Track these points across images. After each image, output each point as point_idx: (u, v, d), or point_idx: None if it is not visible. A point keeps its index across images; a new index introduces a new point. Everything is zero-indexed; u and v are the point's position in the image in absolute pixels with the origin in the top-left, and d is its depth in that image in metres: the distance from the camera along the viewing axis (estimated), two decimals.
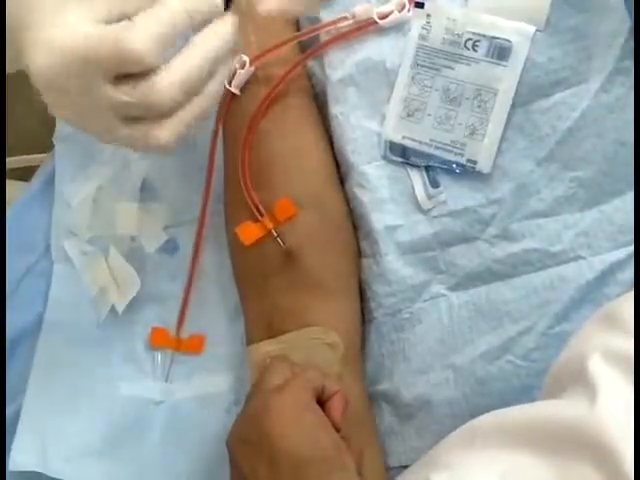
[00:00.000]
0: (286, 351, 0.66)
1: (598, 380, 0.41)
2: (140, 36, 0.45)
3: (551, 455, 0.40)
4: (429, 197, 0.69)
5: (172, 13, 0.47)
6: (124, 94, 0.47)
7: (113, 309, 0.77)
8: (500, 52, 0.66)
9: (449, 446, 0.47)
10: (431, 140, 0.68)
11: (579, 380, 0.43)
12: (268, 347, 0.67)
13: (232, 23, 0.50)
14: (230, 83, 0.71)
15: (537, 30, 0.65)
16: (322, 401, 0.59)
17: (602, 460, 0.38)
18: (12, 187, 1.01)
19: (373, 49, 0.71)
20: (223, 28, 0.50)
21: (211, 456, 0.73)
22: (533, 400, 0.48)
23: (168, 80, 0.47)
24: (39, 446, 0.74)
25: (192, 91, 0.49)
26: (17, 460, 0.74)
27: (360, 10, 0.70)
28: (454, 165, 0.68)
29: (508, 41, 0.66)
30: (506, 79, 0.66)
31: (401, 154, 0.69)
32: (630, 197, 0.65)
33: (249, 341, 0.70)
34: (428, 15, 0.68)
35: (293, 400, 0.56)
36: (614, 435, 0.38)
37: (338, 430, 0.58)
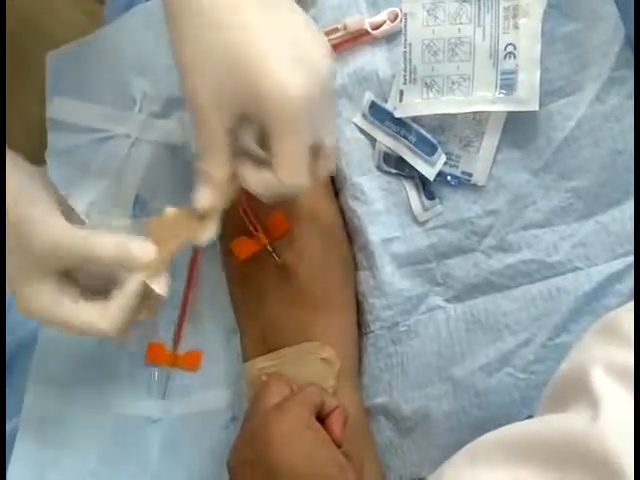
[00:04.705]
0: (282, 367, 0.65)
1: (601, 394, 0.41)
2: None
3: (554, 470, 0.40)
4: (425, 209, 0.68)
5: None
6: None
7: None
8: None
9: (451, 465, 0.46)
10: None
11: (581, 393, 0.42)
12: (264, 363, 0.66)
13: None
14: None
15: None
16: (322, 417, 0.59)
17: (605, 475, 0.37)
18: None
19: (366, 60, 0.70)
20: None
21: (209, 473, 0.72)
22: (533, 412, 0.48)
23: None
24: (36, 467, 0.73)
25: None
26: None
27: (352, 21, 0.70)
28: (449, 177, 0.68)
29: None
30: None
31: (395, 165, 0.69)
32: (627, 207, 0.65)
33: (245, 357, 0.69)
34: None
35: (293, 418, 0.56)
36: (617, 449, 0.38)
37: (339, 446, 0.57)
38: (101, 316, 0.56)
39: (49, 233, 0.55)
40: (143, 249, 0.56)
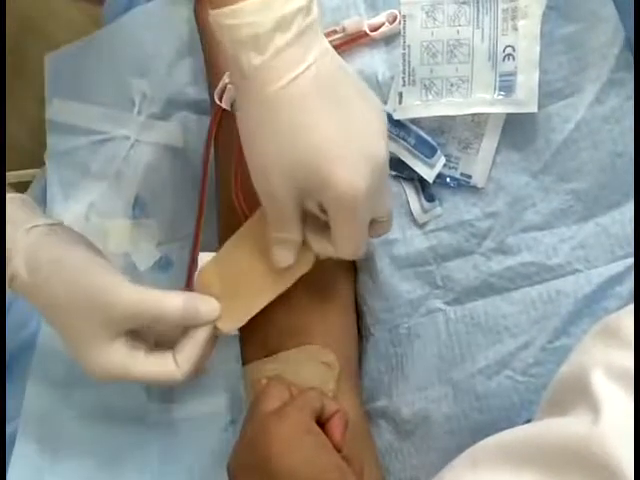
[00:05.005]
0: (281, 370, 0.65)
1: (601, 397, 0.40)
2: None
3: (555, 473, 0.40)
4: (424, 211, 0.68)
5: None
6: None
7: None
8: None
9: (452, 469, 0.46)
10: None
11: (581, 397, 0.42)
12: (264, 366, 0.66)
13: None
14: (221, 98, 0.70)
15: None
16: (322, 421, 0.59)
17: (606, 478, 0.37)
18: None
19: (364, 62, 0.70)
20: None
21: (209, 476, 0.72)
22: (532, 416, 0.48)
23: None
24: (35, 470, 0.73)
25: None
26: None
27: (350, 23, 0.70)
28: (448, 179, 0.67)
29: None
30: None
31: (394, 167, 0.69)
32: (627, 209, 0.65)
33: (245, 360, 0.69)
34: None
35: (292, 423, 0.55)
36: (618, 452, 0.37)
37: (339, 450, 0.57)
38: (175, 367, 0.61)
39: (126, 298, 0.59)
40: (210, 307, 0.62)
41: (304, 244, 0.61)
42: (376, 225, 0.60)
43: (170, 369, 0.61)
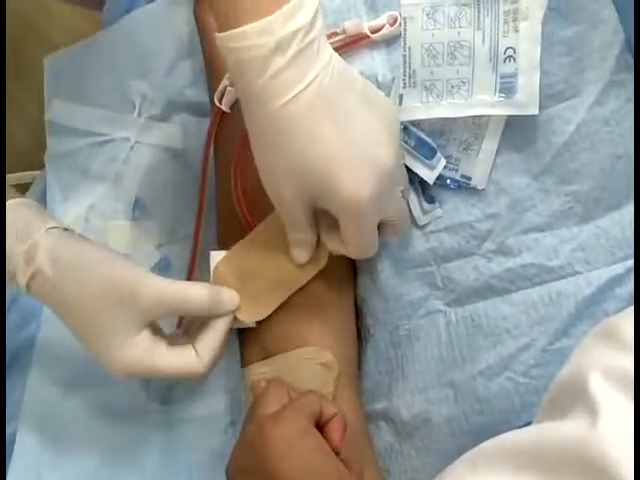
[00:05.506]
0: (281, 372, 0.65)
1: (599, 400, 0.40)
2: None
3: (553, 477, 0.40)
4: (424, 212, 0.68)
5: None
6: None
7: None
8: None
9: (452, 471, 0.46)
10: None
11: (580, 400, 0.42)
12: (263, 368, 0.66)
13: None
14: (220, 101, 0.70)
15: None
16: (320, 425, 0.58)
17: None
18: None
19: (365, 63, 0.70)
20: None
21: (209, 477, 0.72)
22: (532, 418, 0.48)
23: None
24: (35, 471, 0.73)
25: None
26: None
27: (350, 25, 0.70)
28: (448, 181, 0.67)
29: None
30: None
31: None
32: (627, 211, 0.65)
33: (244, 362, 0.69)
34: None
35: (290, 427, 0.55)
36: (616, 456, 0.37)
37: (338, 453, 0.57)
38: (197, 359, 0.62)
39: (154, 288, 0.60)
40: (231, 296, 0.64)
41: (319, 242, 0.62)
42: (387, 227, 0.62)
43: (192, 361, 0.62)
